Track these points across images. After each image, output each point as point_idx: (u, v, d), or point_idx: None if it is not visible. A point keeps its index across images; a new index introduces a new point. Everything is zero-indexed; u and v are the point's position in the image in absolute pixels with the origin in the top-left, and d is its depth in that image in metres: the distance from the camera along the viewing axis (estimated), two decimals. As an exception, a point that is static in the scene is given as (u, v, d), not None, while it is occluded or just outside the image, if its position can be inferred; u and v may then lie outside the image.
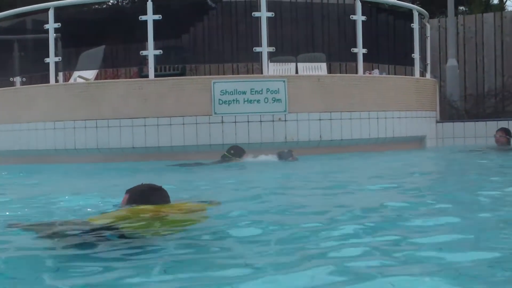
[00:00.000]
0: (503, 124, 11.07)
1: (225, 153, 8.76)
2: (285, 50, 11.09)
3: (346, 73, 13.36)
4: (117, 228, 3.34)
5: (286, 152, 8.67)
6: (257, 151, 8.84)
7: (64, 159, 9.34)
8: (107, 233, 3.26)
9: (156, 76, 9.76)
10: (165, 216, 3.64)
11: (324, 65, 11.53)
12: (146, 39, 9.74)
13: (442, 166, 9.01)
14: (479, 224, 3.68)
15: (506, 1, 23.90)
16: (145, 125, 9.20)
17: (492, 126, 11.20)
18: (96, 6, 14.00)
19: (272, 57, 10.32)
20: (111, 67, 13.00)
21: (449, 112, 12.89)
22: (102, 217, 3.74)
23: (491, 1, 23.26)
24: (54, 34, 9.93)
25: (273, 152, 8.72)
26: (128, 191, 3.98)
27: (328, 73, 11.68)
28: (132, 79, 12.22)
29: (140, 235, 3.32)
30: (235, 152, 8.76)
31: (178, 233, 3.40)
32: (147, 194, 3.88)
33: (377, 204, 4.33)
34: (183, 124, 9.20)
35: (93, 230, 3.31)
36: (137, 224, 3.45)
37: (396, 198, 5.03)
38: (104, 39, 10.90)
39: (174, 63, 12.32)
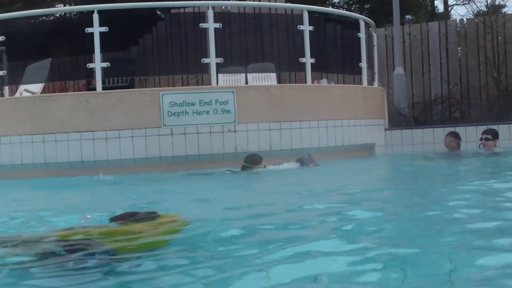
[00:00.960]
0: (449, 130, 11.26)
1: (244, 163, 8.75)
2: (234, 61, 11.12)
3: (296, 83, 13.44)
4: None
5: (307, 158, 8.78)
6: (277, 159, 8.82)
7: (11, 175, 9.17)
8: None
9: (104, 88, 9.67)
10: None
11: (273, 75, 11.59)
12: (93, 51, 9.65)
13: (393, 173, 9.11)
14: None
15: (451, 10, 24.38)
16: (93, 139, 9.10)
17: (439, 133, 11.39)
18: (42, 18, 13.82)
19: (222, 68, 10.33)
20: (58, 80, 12.83)
21: (398, 120, 13.07)
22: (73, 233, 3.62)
23: (436, 10, 23.72)
24: (-1, 48, 9.78)
25: (293, 159, 8.89)
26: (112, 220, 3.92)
27: (278, 83, 11.74)
28: (79, 92, 12.08)
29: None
30: (253, 160, 8.79)
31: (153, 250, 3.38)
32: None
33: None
34: (132, 136, 9.13)
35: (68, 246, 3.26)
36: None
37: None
38: (51, 52, 10.77)
39: (122, 76, 12.22)
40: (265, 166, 8.69)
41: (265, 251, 3.25)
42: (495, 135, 10.26)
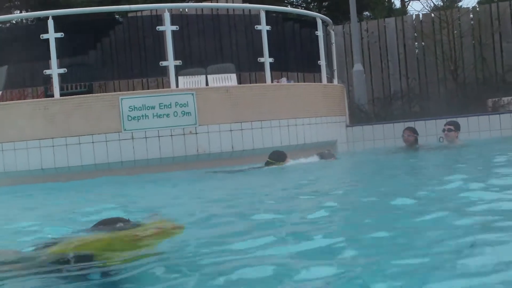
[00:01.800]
0: (409, 125, 11.38)
1: (268, 159, 8.94)
2: (194, 63, 11.09)
3: (256, 83, 13.46)
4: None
5: (327, 153, 9.09)
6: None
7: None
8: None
9: (62, 95, 9.59)
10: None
11: (234, 76, 11.58)
12: (50, 58, 9.55)
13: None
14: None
15: (408, 5, 24.65)
16: (53, 146, 9.01)
17: (399, 128, 11.49)
18: (-3, 25, 13.64)
19: (181, 70, 10.31)
20: (16, 87, 12.65)
21: (358, 116, 13.18)
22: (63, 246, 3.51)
23: (393, 6, 23.96)
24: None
25: (313, 154, 9.21)
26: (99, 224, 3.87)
27: (238, 83, 11.74)
28: (37, 99, 11.93)
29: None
30: (278, 157, 8.99)
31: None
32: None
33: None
34: (93, 142, 9.06)
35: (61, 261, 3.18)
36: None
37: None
38: (7, 59, 10.62)
39: (80, 81, 12.11)
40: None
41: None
42: (457, 126, 10.42)
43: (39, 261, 3.22)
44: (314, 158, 9.07)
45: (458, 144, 10.18)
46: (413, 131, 10.65)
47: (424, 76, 14.89)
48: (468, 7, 15.62)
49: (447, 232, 3.38)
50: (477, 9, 15.34)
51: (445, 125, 10.47)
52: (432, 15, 15.16)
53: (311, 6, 27.51)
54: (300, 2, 28.48)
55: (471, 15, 15.26)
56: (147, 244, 3.40)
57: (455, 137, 10.27)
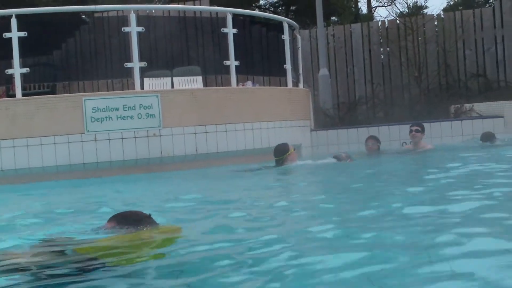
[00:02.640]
0: (374, 130, 11.50)
1: (275, 158, 9.03)
2: (160, 65, 11.06)
3: (222, 86, 13.47)
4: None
5: (344, 155, 9.08)
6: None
7: None
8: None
9: (24, 95, 9.47)
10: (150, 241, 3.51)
11: (199, 78, 11.55)
12: (12, 57, 9.43)
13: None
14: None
15: (374, 11, 24.84)
16: (14, 146, 8.89)
17: (363, 133, 11.60)
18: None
19: (147, 72, 10.26)
20: (-24, 87, 12.49)
21: (323, 120, 13.25)
22: (91, 247, 3.49)
23: (360, 12, 24.13)
24: None
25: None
26: (113, 218, 3.85)
27: (204, 86, 11.72)
28: (-1, 99, 11.78)
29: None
30: (280, 151, 9.04)
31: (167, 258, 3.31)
32: (134, 222, 3.76)
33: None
34: (55, 143, 8.97)
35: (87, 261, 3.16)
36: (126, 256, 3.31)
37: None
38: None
39: (43, 81, 11.99)
40: (294, 149, 9.15)
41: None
42: (423, 128, 10.58)
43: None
44: (330, 160, 9.07)
45: (422, 147, 10.29)
46: (377, 140, 10.76)
47: (389, 82, 15.02)
48: (433, 15, 15.82)
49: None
50: (442, 16, 15.54)
51: (412, 126, 10.60)
52: (398, 21, 15.31)
53: (279, 10, 27.61)
54: (268, 6, 28.57)
55: (436, 22, 15.45)
56: (156, 247, 3.44)
57: (420, 139, 10.41)
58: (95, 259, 3.20)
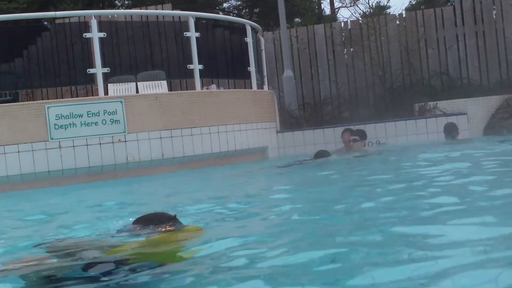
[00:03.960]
0: (339, 130, 11.55)
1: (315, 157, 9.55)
2: (123, 70, 10.99)
3: (187, 90, 13.43)
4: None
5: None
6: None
7: None
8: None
9: (-14, 103, 9.36)
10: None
11: (164, 83, 11.48)
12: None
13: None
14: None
15: (337, 12, 24.98)
16: (-23, 156, 8.77)
17: (329, 133, 11.67)
18: None
19: (111, 77, 10.20)
20: None
21: (289, 122, 13.28)
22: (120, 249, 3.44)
23: (323, 13, 24.25)
24: None
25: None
26: (139, 220, 3.84)
27: (169, 90, 11.67)
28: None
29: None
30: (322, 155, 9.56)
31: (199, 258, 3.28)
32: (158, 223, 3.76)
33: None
34: (18, 152, 8.86)
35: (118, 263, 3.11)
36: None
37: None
38: None
39: (5, 89, 11.85)
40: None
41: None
42: (362, 135, 10.61)
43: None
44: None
45: (369, 153, 10.27)
46: (351, 131, 10.74)
47: (353, 82, 15.11)
48: (395, 14, 15.94)
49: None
50: (404, 16, 15.68)
51: (344, 132, 10.64)
52: (360, 22, 15.42)
53: (242, 13, 27.63)
54: (231, 8, 28.56)
55: (398, 22, 15.59)
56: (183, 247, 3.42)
57: (361, 146, 10.46)
58: (124, 261, 3.17)
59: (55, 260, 3.33)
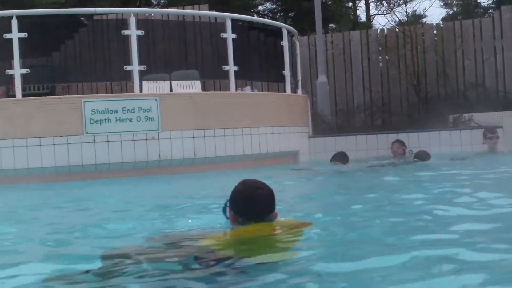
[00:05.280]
0: (372, 137, 11.52)
1: (414, 159, 9.72)
2: (158, 68, 11.05)
3: (220, 90, 13.47)
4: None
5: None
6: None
7: None
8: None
9: (24, 95, 9.46)
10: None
11: (198, 83, 11.54)
12: (12, 57, 9.42)
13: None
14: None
15: (373, 19, 24.90)
16: (13, 146, 8.87)
17: (361, 140, 11.61)
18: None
19: (146, 75, 10.25)
20: (-24, 86, 12.46)
21: (321, 127, 13.25)
22: (215, 241, 3.35)
23: (359, 19, 24.18)
24: None
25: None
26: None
27: (202, 90, 11.71)
28: (-2, 99, 11.76)
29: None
30: (425, 156, 9.69)
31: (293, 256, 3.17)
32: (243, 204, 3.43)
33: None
34: (54, 144, 8.95)
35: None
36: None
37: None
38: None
39: (43, 82, 11.97)
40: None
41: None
42: (403, 143, 10.83)
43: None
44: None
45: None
46: (402, 143, 10.82)
47: (387, 90, 15.04)
48: (432, 24, 15.86)
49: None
50: (441, 25, 15.57)
51: (394, 143, 10.74)
52: (397, 30, 15.34)
53: (277, 16, 27.64)
54: (266, 12, 28.60)
55: (435, 32, 15.48)
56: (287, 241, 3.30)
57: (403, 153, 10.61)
58: (222, 255, 3.11)
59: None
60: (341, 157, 10.04)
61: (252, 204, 3.34)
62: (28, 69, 9.50)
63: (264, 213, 3.36)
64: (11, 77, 9.48)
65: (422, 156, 9.76)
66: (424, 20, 20.85)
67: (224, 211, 3.53)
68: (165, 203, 6.14)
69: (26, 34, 9.31)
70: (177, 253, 3.20)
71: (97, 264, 3.15)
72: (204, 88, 12.31)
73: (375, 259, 3.09)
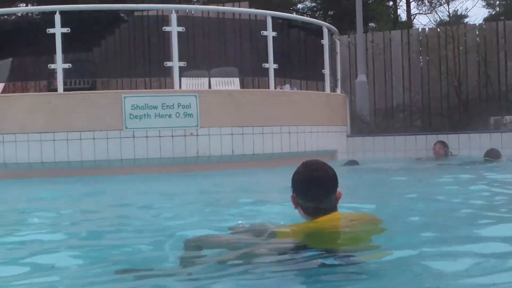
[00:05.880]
0: (411, 138, 11.41)
1: (485, 158, 9.54)
2: (197, 65, 11.09)
3: (259, 88, 13.46)
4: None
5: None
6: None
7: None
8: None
9: (65, 89, 9.57)
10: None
11: (237, 80, 11.57)
12: (55, 52, 9.54)
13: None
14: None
15: (413, 19, 24.67)
16: (54, 140, 8.98)
17: (400, 141, 11.51)
18: (3, 17, 13.63)
19: (185, 71, 10.29)
20: (19, 80, 12.64)
21: (360, 127, 13.16)
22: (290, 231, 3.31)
23: (399, 19, 23.98)
24: (-41, 46, 9.61)
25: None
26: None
27: (241, 87, 11.72)
28: (40, 93, 11.93)
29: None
30: (495, 155, 9.54)
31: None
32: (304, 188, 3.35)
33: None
34: (94, 138, 9.04)
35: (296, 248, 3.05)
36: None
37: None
38: (12, 52, 10.62)
39: (84, 77, 12.11)
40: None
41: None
42: (445, 144, 10.79)
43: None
44: None
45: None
46: (444, 145, 10.73)
47: (427, 91, 14.88)
48: (475, 24, 15.65)
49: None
50: (483, 26, 15.35)
51: (437, 144, 10.70)
52: (438, 30, 15.16)
53: (316, 15, 27.56)
54: (305, 10, 28.53)
55: (477, 32, 15.27)
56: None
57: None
58: (301, 244, 3.08)
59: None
60: (495, 154, 9.79)
61: (311, 184, 3.30)
62: (70, 64, 9.60)
63: (322, 194, 3.30)
64: (53, 71, 9.60)
65: (494, 154, 9.55)
66: (466, 20, 20.60)
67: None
68: (212, 200, 6.14)
69: (69, 29, 9.40)
70: (274, 245, 3.16)
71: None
72: (242, 85, 12.32)
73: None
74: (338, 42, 12.91)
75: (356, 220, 3.40)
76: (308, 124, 10.53)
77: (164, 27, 10.05)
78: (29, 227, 4.64)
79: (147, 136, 9.20)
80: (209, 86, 11.18)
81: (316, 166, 3.35)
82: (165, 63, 9.89)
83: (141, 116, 9.18)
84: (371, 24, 24.81)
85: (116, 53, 11.84)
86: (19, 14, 21.47)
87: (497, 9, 26.73)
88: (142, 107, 9.21)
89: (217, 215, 4.99)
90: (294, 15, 18.39)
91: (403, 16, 25.31)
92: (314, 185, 3.28)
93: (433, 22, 20.94)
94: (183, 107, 9.37)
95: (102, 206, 5.91)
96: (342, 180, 3.39)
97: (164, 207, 5.72)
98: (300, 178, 3.33)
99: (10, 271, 3.15)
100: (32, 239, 4.07)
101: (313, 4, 28.52)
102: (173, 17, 9.85)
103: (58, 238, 4.16)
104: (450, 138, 11.31)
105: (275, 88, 10.73)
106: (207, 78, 11.38)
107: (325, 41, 11.53)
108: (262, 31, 10.59)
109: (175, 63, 9.74)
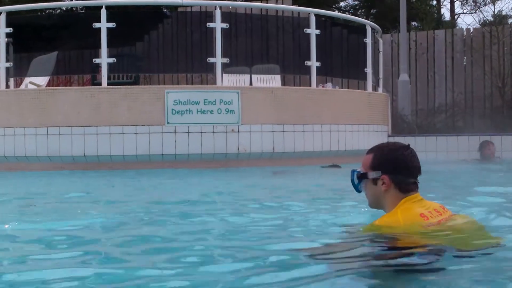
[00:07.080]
0: (453, 139, 11.29)
1: None
2: (239, 61, 11.11)
3: (300, 86, 13.44)
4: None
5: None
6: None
7: (14, 167, 9.17)
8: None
9: (109, 84, 9.68)
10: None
11: (278, 77, 11.55)
12: (99, 47, 9.65)
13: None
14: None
15: (457, 18, 24.38)
16: (97, 134, 9.09)
17: (442, 141, 11.39)
18: (49, 11, 13.84)
19: (227, 68, 10.33)
20: (63, 74, 12.84)
21: (401, 126, 13.06)
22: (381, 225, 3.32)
23: (443, 18, 23.71)
24: (6, 39, 9.77)
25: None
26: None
27: (282, 85, 11.71)
28: (84, 87, 12.08)
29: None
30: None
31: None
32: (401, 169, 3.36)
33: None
34: (136, 133, 9.13)
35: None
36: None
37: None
38: (57, 45, 10.77)
39: (127, 72, 12.21)
40: None
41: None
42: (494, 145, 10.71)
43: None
44: None
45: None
46: (493, 144, 10.67)
47: (470, 91, 14.70)
48: (521, 24, 15.39)
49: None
50: (530, 27, 15.11)
51: (489, 143, 10.60)
52: (483, 30, 14.96)
53: (359, 13, 27.39)
54: (348, 8, 28.39)
55: (523, 33, 15.04)
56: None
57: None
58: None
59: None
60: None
61: (415, 159, 3.40)
62: (115, 59, 9.70)
63: (420, 168, 3.42)
64: (97, 65, 9.71)
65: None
66: (510, 20, 20.28)
67: (355, 182, 3.47)
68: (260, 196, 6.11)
69: (114, 24, 9.49)
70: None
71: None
72: (283, 83, 12.32)
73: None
74: (381, 41, 12.83)
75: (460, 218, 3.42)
76: (349, 122, 10.48)
77: (208, 23, 10.09)
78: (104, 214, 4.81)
79: (188, 132, 9.26)
80: (250, 83, 11.19)
81: (404, 145, 3.47)
82: (208, 59, 9.93)
83: (183, 112, 9.24)
84: (414, 23, 24.58)
85: (159, 48, 11.95)
86: (64, 9, 21.79)
87: (544, 9, 26.34)
88: (185, 103, 9.27)
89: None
90: (337, 13, 18.33)
91: (446, 15, 25.07)
92: (417, 161, 3.40)
93: (477, 22, 20.66)
94: (225, 103, 9.40)
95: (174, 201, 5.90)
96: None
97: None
98: (405, 155, 3.37)
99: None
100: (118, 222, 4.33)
101: (356, 2, 28.37)
102: (218, 13, 9.88)
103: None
104: (493, 140, 11.17)
105: (317, 86, 10.71)
106: (249, 75, 11.38)
107: (368, 40, 11.47)
108: (305, 29, 10.57)
109: (218, 59, 9.78)
